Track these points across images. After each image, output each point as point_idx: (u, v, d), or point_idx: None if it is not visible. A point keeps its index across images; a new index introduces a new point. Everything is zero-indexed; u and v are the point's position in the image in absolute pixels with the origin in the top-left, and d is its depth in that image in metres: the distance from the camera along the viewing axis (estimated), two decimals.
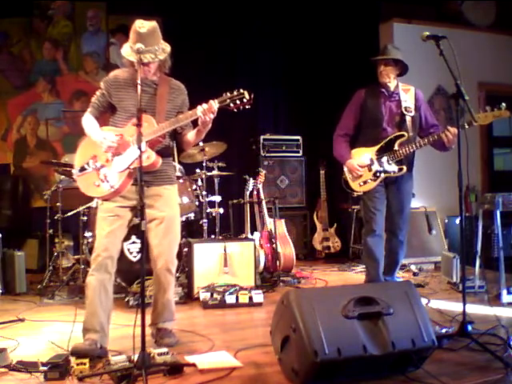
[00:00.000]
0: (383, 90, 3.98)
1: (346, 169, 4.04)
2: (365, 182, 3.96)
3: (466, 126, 3.34)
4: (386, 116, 3.95)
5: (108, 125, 3.02)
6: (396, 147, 3.87)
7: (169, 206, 3.03)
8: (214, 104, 2.79)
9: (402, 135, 3.88)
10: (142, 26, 2.81)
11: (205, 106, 2.80)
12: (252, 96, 2.80)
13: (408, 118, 3.93)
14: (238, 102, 2.79)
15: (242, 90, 2.80)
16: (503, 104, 3.34)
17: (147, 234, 2.98)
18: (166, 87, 3.00)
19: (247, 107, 2.82)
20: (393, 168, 3.89)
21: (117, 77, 3.01)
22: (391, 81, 3.96)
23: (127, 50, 2.86)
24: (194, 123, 2.98)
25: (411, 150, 3.83)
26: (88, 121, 3.01)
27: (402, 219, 4.02)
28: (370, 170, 3.94)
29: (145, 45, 2.77)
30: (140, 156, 2.54)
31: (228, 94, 2.81)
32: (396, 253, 4.08)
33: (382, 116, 3.94)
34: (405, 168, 3.88)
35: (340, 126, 4.13)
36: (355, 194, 4.05)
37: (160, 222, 2.97)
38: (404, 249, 4.11)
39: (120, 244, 2.97)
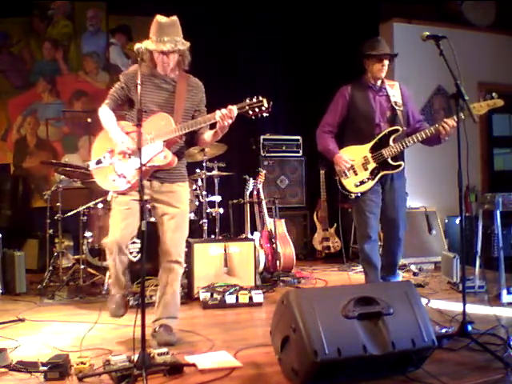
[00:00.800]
0: (371, 85, 3.88)
1: (336, 167, 3.87)
2: (361, 182, 3.81)
3: (462, 117, 3.20)
4: (377, 111, 3.83)
5: (123, 119, 3.10)
6: (391, 143, 3.74)
7: (181, 202, 3.11)
8: (234, 110, 2.85)
9: (396, 130, 3.76)
10: (162, 18, 2.93)
11: (224, 111, 2.86)
12: (271, 104, 2.84)
13: (399, 113, 3.82)
14: (256, 109, 2.84)
15: (260, 98, 2.85)
16: (494, 93, 3.34)
17: (158, 227, 3.11)
18: (184, 84, 3.07)
19: (265, 115, 2.86)
20: (390, 165, 3.77)
21: (136, 72, 2.98)
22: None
23: (147, 42, 2.89)
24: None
25: (408, 145, 3.70)
26: (106, 114, 3.07)
27: (400, 217, 3.89)
28: (365, 169, 3.81)
29: (165, 34, 2.88)
30: (140, 156, 2.56)
31: (247, 101, 2.86)
32: (395, 253, 3.96)
33: (374, 111, 3.83)
34: (402, 164, 3.78)
35: (323, 123, 3.99)
36: (352, 195, 3.83)
37: (172, 217, 3.06)
38: (402, 248, 3.99)
39: (133, 233, 3.07)
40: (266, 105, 2.83)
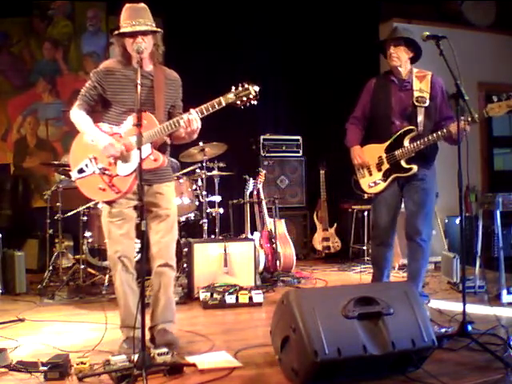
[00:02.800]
0: (394, 78, 3.63)
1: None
2: (375, 183, 3.65)
3: (469, 119, 3.14)
4: (396, 108, 3.59)
5: (99, 120, 2.93)
6: (405, 144, 3.53)
7: (170, 203, 3.02)
8: (193, 113, 2.75)
9: (411, 130, 3.52)
10: (132, 4, 2.80)
11: (190, 116, 2.76)
12: (258, 90, 2.72)
13: (420, 110, 3.55)
14: (244, 98, 2.72)
15: (246, 85, 2.73)
16: None
17: (147, 231, 2.96)
18: (161, 77, 2.91)
19: (254, 103, 2.74)
20: (402, 167, 3.56)
21: (109, 68, 2.88)
22: (402, 65, 3.58)
23: (120, 28, 2.77)
24: None
25: (421, 146, 3.47)
26: (81, 117, 2.91)
27: (420, 221, 3.59)
28: (379, 170, 3.63)
29: (139, 16, 2.74)
30: (140, 157, 2.51)
31: (233, 90, 2.74)
32: (416, 260, 3.63)
33: (391, 108, 3.60)
34: (414, 167, 3.53)
35: (350, 116, 3.83)
36: (366, 195, 3.71)
37: (162, 220, 2.97)
38: (425, 255, 3.66)
39: (134, 243, 2.98)
40: (253, 92, 2.71)
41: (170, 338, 2.92)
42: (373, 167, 3.69)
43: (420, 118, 3.56)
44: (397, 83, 3.65)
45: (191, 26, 6.32)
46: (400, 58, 3.57)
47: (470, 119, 3.18)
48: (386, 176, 3.64)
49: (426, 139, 3.47)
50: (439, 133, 3.42)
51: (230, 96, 2.74)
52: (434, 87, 3.60)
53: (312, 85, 6.70)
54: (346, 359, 2.30)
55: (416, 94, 3.58)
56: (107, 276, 4.39)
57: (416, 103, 3.56)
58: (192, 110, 2.78)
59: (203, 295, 4.01)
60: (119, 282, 2.90)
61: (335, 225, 6.41)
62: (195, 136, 2.94)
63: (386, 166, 3.63)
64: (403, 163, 3.57)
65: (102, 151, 2.81)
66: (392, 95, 3.64)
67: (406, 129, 3.56)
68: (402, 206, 3.77)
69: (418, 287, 3.66)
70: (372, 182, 3.68)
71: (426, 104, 3.57)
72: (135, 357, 2.43)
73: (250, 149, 6.56)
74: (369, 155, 3.69)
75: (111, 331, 3.16)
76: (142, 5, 2.84)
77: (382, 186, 3.65)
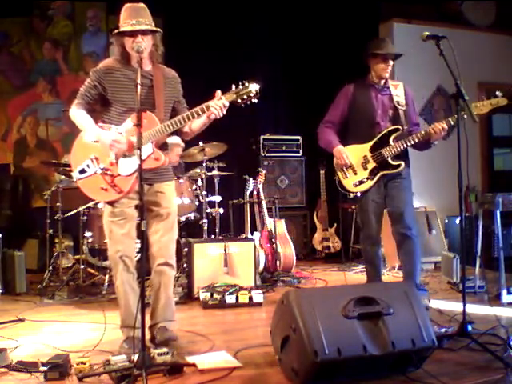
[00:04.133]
0: (373, 84, 3.83)
1: (335, 161, 3.83)
2: (360, 182, 3.74)
3: (465, 117, 3.19)
4: (378, 110, 3.77)
5: (98, 120, 2.92)
6: (391, 142, 3.67)
7: (171, 202, 3.03)
8: (223, 99, 2.75)
9: (397, 129, 3.69)
10: (131, 4, 2.80)
11: (219, 103, 2.74)
12: (259, 88, 2.74)
13: (401, 112, 3.75)
14: (245, 96, 2.74)
15: (246, 84, 2.75)
16: (498, 92, 3.28)
17: (147, 230, 2.96)
18: (160, 76, 2.92)
19: (254, 101, 2.76)
20: (390, 164, 3.69)
21: (108, 67, 2.88)
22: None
23: (120, 28, 2.77)
24: None
25: (407, 145, 3.64)
26: (83, 117, 2.89)
27: (409, 217, 3.71)
28: (365, 169, 3.74)
29: (139, 16, 2.74)
30: (141, 157, 2.51)
31: (234, 89, 2.76)
32: (412, 253, 3.70)
33: (375, 110, 3.76)
34: (403, 164, 3.67)
35: (324, 120, 3.95)
36: (351, 195, 3.80)
37: (163, 219, 2.98)
38: (417, 250, 3.73)
39: (134, 242, 2.99)
40: (253, 91, 2.73)
41: (170, 334, 2.92)
42: (357, 166, 3.77)
43: (402, 119, 3.75)
44: (376, 88, 3.84)
45: (191, 25, 6.32)
46: (390, 70, 3.82)
47: (465, 116, 3.23)
48: (373, 174, 3.74)
49: (415, 137, 3.62)
50: (427, 129, 3.56)
51: (231, 95, 2.76)
52: (407, 95, 3.87)
53: (312, 85, 6.69)
54: (346, 359, 2.30)
55: (395, 98, 3.80)
56: (107, 276, 4.40)
57: (397, 105, 3.78)
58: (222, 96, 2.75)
59: (203, 295, 4.01)
60: (120, 282, 2.90)
61: (335, 225, 6.41)
62: (204, 127, 2.95)
63: (372, 165, 3.74)
64: (390, 160, 3.69)
65: (108, 148, 2.81)
66: (373, 98, 3.81)
67: (390, 128, 3.73)
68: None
69: (416, 282, 3.72)
70: (357, 181, 3.76)
71: (405, 108, 3.80)
72: (135, 357, 2.43)
73: (250, 149, 6.56)
74: (352, 155, 3.78)
75: (111, 331, 3.16)
76: (142, 5, 2.84)
77: (369, 184, 3.74)
